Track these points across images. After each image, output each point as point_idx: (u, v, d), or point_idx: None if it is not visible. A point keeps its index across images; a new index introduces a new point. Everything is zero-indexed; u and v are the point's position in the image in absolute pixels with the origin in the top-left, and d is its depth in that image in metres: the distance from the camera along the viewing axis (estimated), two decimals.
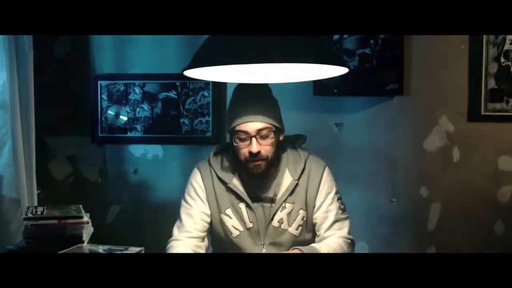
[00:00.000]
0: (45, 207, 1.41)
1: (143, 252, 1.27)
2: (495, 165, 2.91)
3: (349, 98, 2.96)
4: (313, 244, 1.91)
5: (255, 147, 1.79)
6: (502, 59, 2.86)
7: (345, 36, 2.86)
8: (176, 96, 3.03)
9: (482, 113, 2.89)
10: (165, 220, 2.94)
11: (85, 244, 1.29)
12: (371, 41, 2.86)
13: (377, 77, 2.91)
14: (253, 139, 1.79)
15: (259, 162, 1.83)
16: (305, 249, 1.83)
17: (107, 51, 3.11)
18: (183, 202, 1.98)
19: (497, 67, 2.86)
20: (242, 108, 1.82)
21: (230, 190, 1.91)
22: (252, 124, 1.79)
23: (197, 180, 1.97)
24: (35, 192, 2.74)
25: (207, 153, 2.86)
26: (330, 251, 1.86)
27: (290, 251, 1.82)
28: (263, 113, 1.81)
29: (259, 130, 1.80)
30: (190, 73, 1.56)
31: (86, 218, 1.36)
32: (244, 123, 1.79)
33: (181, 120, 3.04)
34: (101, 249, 1.21)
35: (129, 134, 3.09)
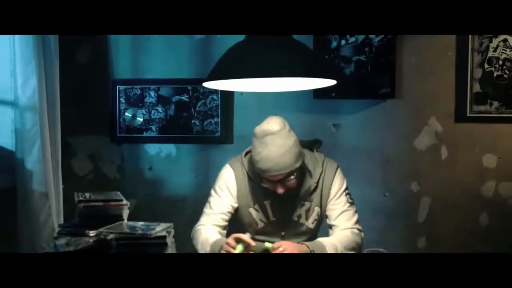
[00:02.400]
0: (90, 193, 1.63)
1: (172, 227, 1.46)
2: (480, 162, 3.00)
3: (346, 101, 3.06)
4: (319, 239, 2.06)
5: (281, 190, 1.96)
6: (486, 65, 2.96)
7: (342, 44, 2.98)
8: (188, 99, 3.13)
9: (468, 114, 2.98)
10: (177, 213, 3.14)
11: (125, 221, 1.51)
12: (366, 49, 2.98)
13: (371, 82, 3.01)
14: (278, 185, 1.95)
15: (285, 193, 2.00)
16: (311, 245, 1.99)
17: (125, 58, 3.20)
18: (213, 193, 2.13)
19: (481, 72, 2.95)
20: (265, 161, 1.91)
21: (260, 189, 2.07)
22: (276, 176, 1.93)
23: (230, 177, 2.11)
24: (61, 186, 2.87)
25: (216, 151, 3.04)
26: (338, 242, 2.02)
27: (297, 247, 1.95)
28: (285, 164, 1.92)
29: (282, 178, 1.94)
30: (208, 84, 1.82)
31: (125, 201, 1.58)
32: (269, 175, 1.93)
33: (192, 121, 3.14)
34: (138, 224, 1.42)
35: (145, 134, 3.19)
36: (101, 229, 1.39)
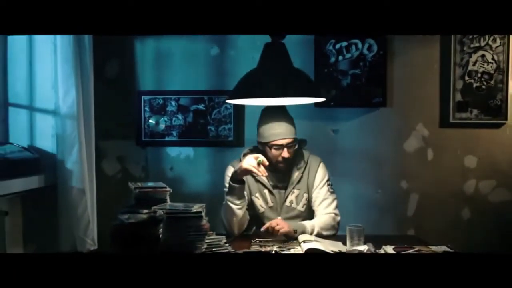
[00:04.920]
0: (141, 183, 1.99)
1: (204, 207, 1.83)
2: (462, 163, 3.26)
3: (343, 109, 3.30)
4: (302, 222, 2.43)
5: (286, 155, 2.38)
6: (466, 78, 3.22)
7: (340, 59, 3.25)
8: (204, 108, 3.34)
9: (451, 121, 3.24)
10: None
11: (168, 202, 1.89)
12: (361, 63, 3.24)
13: (365, 92, 3.25)
14: (285, 149, 2.38)
15: (286, 164, 2.43)
16: (294, 225, 2.34)
17: (149, 72, 3.40)
18: (225, 189, 2.45)
19: (462, 84, 3.22)
20: (275, 127, 2.37)
21: (258, 181, 2.49)
22: (285, 140, 2.37)
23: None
24: (95, 184, 3.07)
25: (229, 153, 3.22)
26: (316, 224, 2.40)
27: (286, 225, 2.29)
28: (290, 130, 2.39)
29: (288, 143, 2.38)
30: (231, 101, 2.24)
31: (168, 188, 1.95)
32: (279, 139, 2.37)
33: (208, 127, 3.35)
34: (179, 204, 1.79)
35: (166, 139, 3.38)
36: (154, 207, 1.78)
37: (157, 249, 1.66)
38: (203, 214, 1.72)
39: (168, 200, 1.90)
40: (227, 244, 2.01)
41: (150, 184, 1.96)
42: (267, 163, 2.29)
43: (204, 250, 1.80)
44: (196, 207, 1.71)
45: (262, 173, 2.28)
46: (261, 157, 2.28)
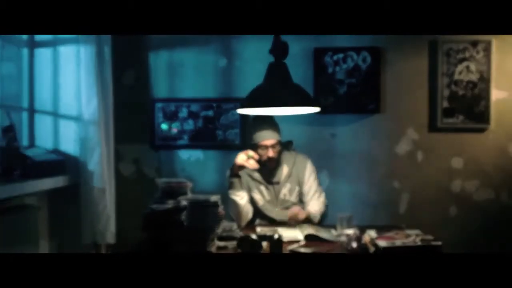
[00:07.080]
0: (165, 179, 2.28)
1: (220, 198, 2.11)
2: (449, 164, 3.47)
3: (340, 115, 3.50)
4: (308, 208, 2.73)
5: (271, 154, 2.68)
6: (453, 86, 3.45)
7: (337, 69, 3.49)
8: (213, 114, 3.54)
9: (439, 125, 3.45)
10: None
11: (189, 195, 2.18)
12: (356, 73, 3.47)
13: (360, 100, 3.47)
14: (269, 149, 2.68)
15: (272, 162, 2.72)
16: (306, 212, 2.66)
17: (162, 81, 3.58)
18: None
19: (449, 92, 3.44)
20: (261, 131, 2.67)
21: (254, 179, 2.78)
22: (269, 141, 2.67)
23: None
24: (113, 184, 3.30)
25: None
26: (315, 212, 2.72)
27: (294, 210, 2.63)
28: (274, 133, 2.68)
29: (272, 144, 2.67)
30: (241, 111, 2.51)
31: (189, 183, 2.24)
32: (264, 140, 2.66)
33: (217, 132, 3.54)
34: (199, 196, 2.09)
35: (178, 142, 3.56)
36: (178, 198, 2.08)
37: (181, 232, 1.95)
38: (219, 203, 2.03)
39: (189, 193, 2.19)
40: (237, 230, 2.31)
41: (173, 180, 2.25)
42: (256, 157, 2.60)
43: (219, 233, 2.10)
44: (213, 198, 2.01)
45: (252, 166, 2.58)
46: (250, 152, 2.60)
